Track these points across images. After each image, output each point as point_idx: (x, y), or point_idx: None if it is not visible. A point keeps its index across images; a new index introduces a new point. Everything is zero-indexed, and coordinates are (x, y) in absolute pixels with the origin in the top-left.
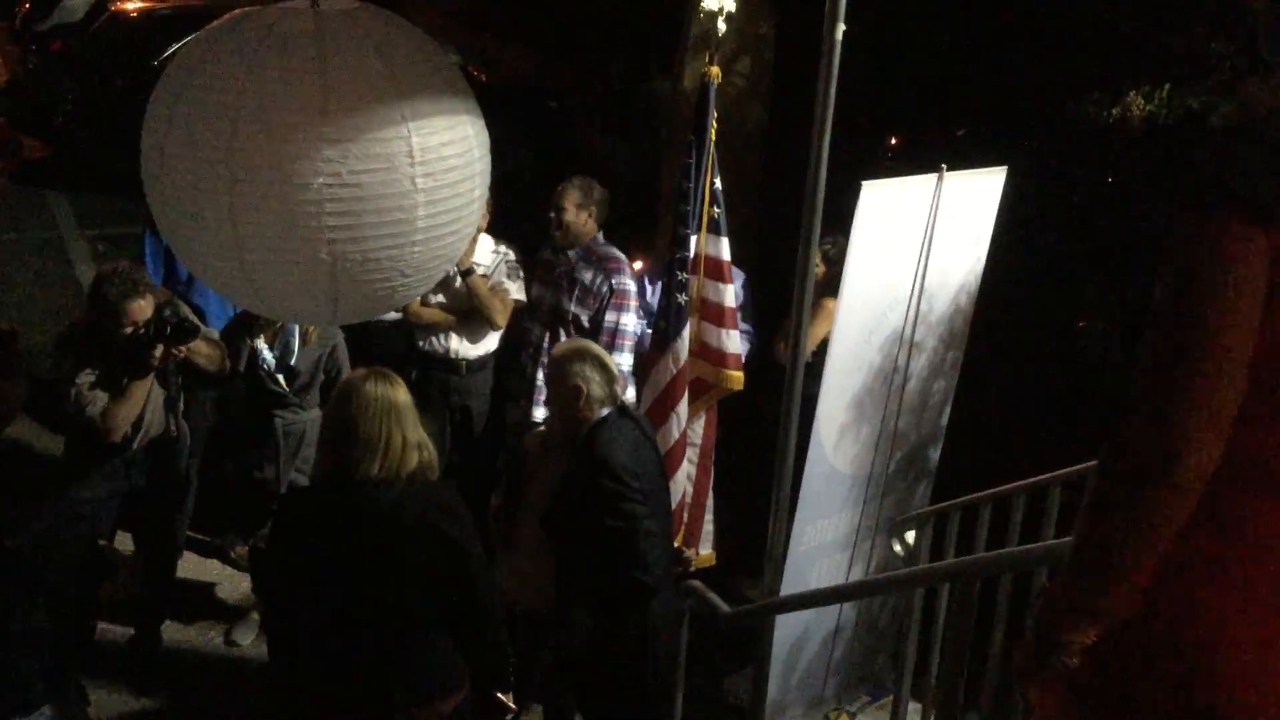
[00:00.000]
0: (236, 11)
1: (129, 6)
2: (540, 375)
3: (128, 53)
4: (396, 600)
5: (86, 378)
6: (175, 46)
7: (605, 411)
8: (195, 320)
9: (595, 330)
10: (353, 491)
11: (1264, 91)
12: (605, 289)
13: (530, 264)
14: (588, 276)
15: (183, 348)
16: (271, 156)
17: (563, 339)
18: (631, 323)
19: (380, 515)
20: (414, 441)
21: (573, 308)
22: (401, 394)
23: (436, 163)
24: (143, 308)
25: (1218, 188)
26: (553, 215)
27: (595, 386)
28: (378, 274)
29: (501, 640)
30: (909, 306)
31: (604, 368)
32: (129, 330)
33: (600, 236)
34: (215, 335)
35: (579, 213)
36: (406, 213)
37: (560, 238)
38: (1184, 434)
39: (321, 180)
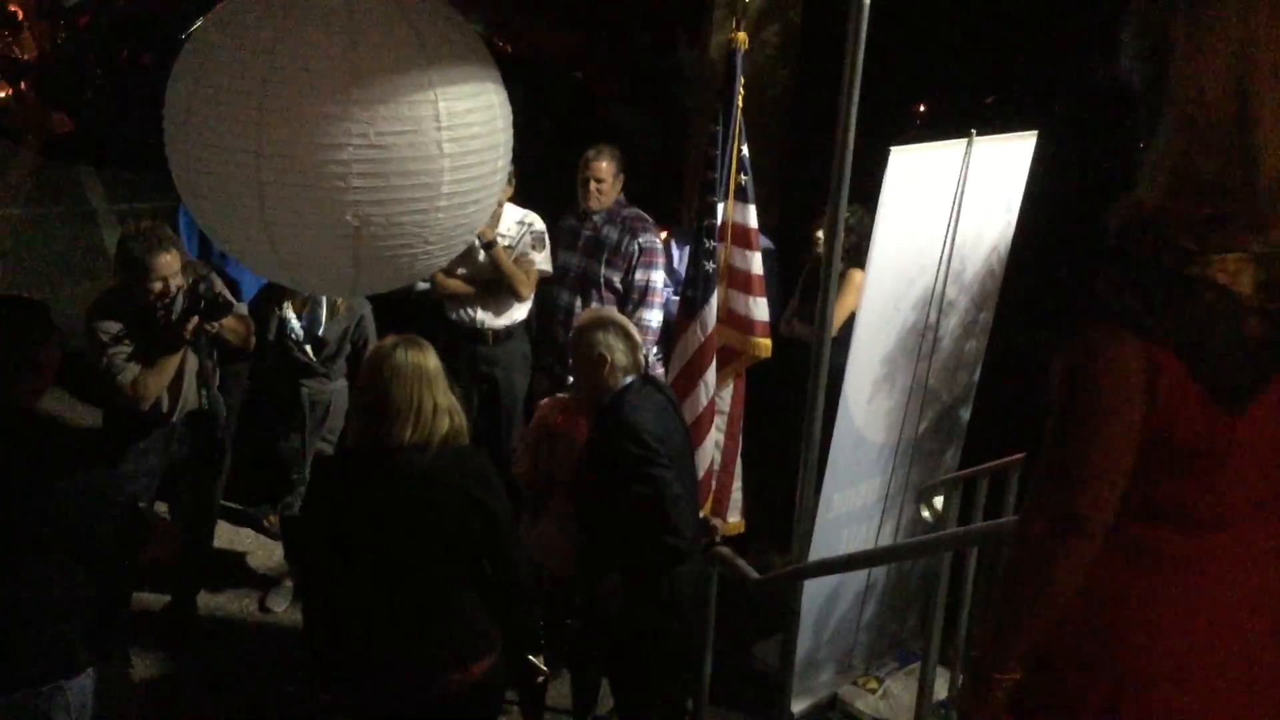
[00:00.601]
0: None
1: None
2: None
3: (155, 26)
4: (429, 564)
5: (121, 349)
6: (202, 19)
7: (630, 379)
8: (229, 296)
9: (627, 290)
10: (386, 457)
11: (1156, 192)
12: (634, 248)
13: (554, 233)
14: (615, 237)
15: (216, 323)
16: (300, 119)
17: (594, 304)
18: (660, 279)
19: (413, 480)
20: (445, 407)
21: (604, 270)
22: (431, 360)
23: (463, 129)
24: (168, 262)
25: (1097, 302)
26: (589, 183)
27: (619, 355)
28: (401, 240)
29: (532, 605)
30: (938, 273)
31: (627, 336)
32: (157, 286)
33: (623, 198)
34: (244, 311)
35: (615, 181)
36: (432, 177)
37: (594, 204)
38: (1084, 502)
39: (349, 142)
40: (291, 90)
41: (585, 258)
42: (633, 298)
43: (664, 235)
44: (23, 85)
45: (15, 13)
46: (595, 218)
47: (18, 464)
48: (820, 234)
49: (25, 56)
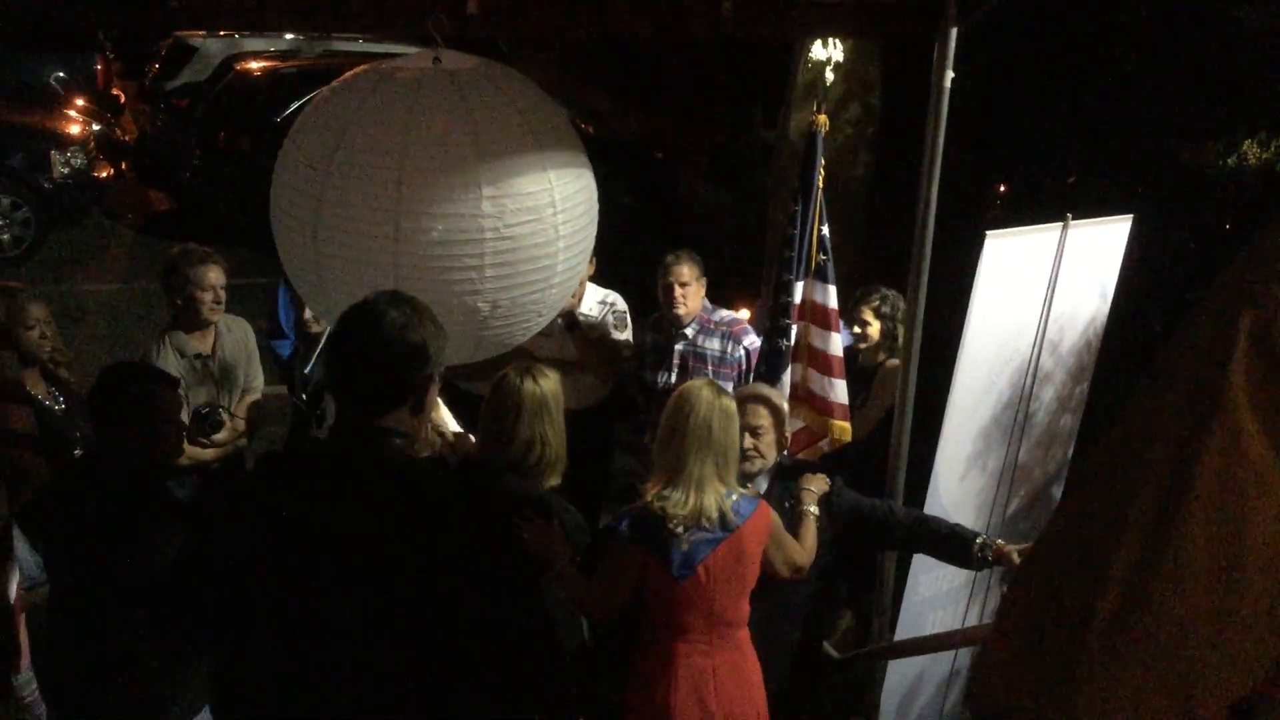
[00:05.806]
0: (365, 67)
1: (253, 66)
2: None
3: (251, 110)
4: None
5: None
6: (297, 104)
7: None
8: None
9: None
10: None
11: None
12: (740, 354)
13: (639, 352)
14: (716, 347)
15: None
16: (435, 202)
17: None
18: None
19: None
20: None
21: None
22: (537, 390)
23: (572, 209)
24: (214, 275)
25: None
26: (672, 289)
27: None
28: (522, 319)
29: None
30: (1031, 357)
31: None
32: (207, 296)
33: (707, 303)
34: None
35: (698, 285)
36: (550, 259)
37: (680, 311)
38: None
39: (482, 236)
40: (425, 184)
41: (684, 374)
42: None
43: (744, 314)
44: (123, 165)
45: (117, 96)
46: (687, 329)
47: (121, 521)
48: (866, 314)
49: (126, 138)
